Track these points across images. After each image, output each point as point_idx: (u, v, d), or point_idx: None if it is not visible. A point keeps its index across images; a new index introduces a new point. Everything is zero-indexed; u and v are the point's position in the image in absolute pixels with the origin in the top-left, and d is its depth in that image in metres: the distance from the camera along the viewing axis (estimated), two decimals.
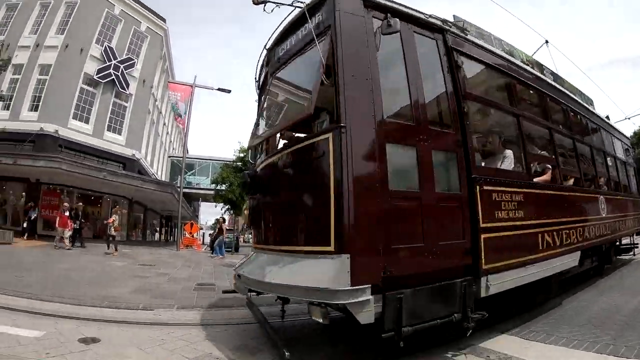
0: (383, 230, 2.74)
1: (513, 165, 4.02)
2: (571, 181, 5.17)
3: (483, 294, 3.14)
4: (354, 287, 2.51)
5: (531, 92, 4.61)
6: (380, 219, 2.74)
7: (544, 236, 3.89)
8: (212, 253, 14.79)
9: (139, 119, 21.43)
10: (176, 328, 3.91)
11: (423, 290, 2.83)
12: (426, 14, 3.46)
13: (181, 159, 24.58)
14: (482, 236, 3.19)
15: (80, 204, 16.33)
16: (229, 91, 21.56)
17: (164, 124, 30.69)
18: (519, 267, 3.53)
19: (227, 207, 22.05)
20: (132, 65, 20.39)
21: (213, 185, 22.73)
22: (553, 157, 4.60)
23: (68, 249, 11.71)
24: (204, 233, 31.62)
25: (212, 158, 32.39)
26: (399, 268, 2.76)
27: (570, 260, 4.38)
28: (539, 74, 4.83)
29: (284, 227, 3.37)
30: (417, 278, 2.86)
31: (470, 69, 3.72)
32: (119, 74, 19.35)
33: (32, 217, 13.72)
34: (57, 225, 12.37)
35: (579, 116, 5.72)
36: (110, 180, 16.19)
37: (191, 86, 20.92)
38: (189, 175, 31.66)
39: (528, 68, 4.62)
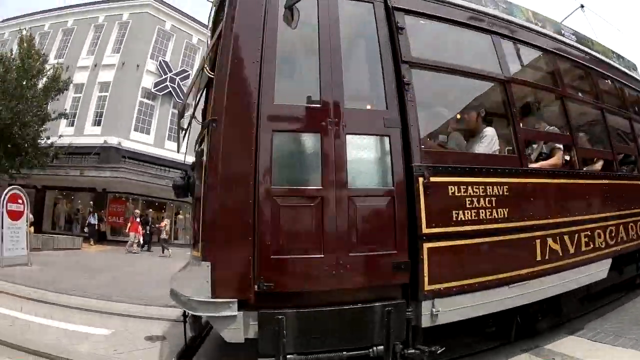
0: (260, 236, 2.18)
1: (497, 147, 2.99)
2: (598, 164, 3.79)
3: (426, 324, 2.30)
4: (216, 300, 2.10)
5: (530, 50, 3.39)
6: (256, 223, 2.17)
7: (545, 242, 2.82)
8: None
9: (197, 128, 22.97)
10: None
11: (315, 313, 2.18)
12: None
13: None
14: (426, 246, 2.33)
15: (151, 210, 18.16)
16: None
17: None
18: (497, 287, 2.53)
19: None
20: (188, 77, 21.97)
21: None
22: (568, 134, 3.34)
23: (135, 253, 12.93)
24: None
25: None
26: (282, 283, 2.18)
27: (594, 272, 3.18)
28: (543, 30, 3.52)
29: (193, 230, 3.00)
30: (312, 297, 2.24)
31: (424, 28, 2.86)
32: (175, 85, 20.67)
33: (92, 222, 15.29)
34: (128, 230, 13.72)
35: (611, 81, 4.25)
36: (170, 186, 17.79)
37: None
38: None
39: (523, 22, 3.36)
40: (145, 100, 19.91)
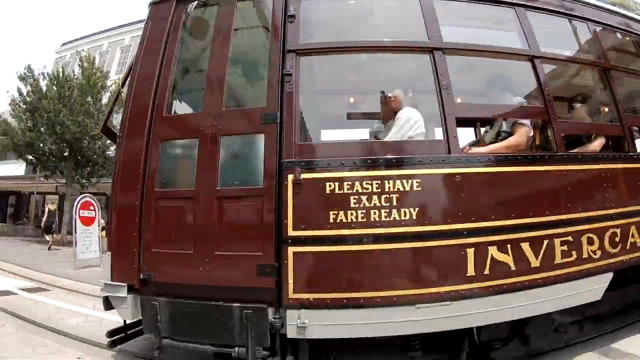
0: (144, 232, 2.45)
1: (418, 131, 2.46)
2: (597, 143, 2.67)
3: (292, 335, 2.12)
4: (112, 283, 2.50)
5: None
6: (142, 221, 2.46)
7: (483, 252, 2.16)
8: None
9: None
10: None
11: (182, 304, 2.33)
12: None
13: None
14: (291, 250, 2.15)
15: None
16: None
17: None
18: (398, 305, 2.09)
19: None
20: None
21: None
22: (541, 105, 2.44)
23: None
24: None
25: None
26: (160, 274, 2.41)
27: (581, 291, 2.31)
28: None
29: None
30: (183, 289, 2.37)
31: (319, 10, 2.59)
32: None
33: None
34: None
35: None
36: None
37: None
38: None
39: None
40: None
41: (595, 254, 2.36)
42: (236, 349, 2.19)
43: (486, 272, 2.17)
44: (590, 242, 2.35)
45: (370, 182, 2.20)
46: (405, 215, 2.17)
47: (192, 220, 2.40)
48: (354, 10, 2.65)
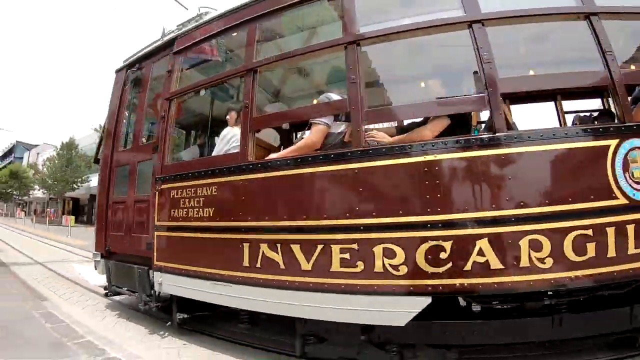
0: (109, 223, 4.14)
1: (230, 145, 3.23)
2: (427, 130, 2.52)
3: (157, 289, 3.32)
4: (94, 252, 4.31)
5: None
6: (107, 216, 4.17)
7: (256, 247, 2.63)
8: None
9: None
10: None
11: (119, 265, 3.90)
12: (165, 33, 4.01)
13: None
14: (156, 233, 3.37)
15: None
16: None
17: None
18: (207, 279, 2.87)
19: None
20: None
21: None
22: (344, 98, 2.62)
23: None
24: None
25: None
26: (113, 247, 4.06)
27: (369, 310, 2.25)
28: None
29: None
30: (122, 257, 3.94)
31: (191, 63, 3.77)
32: None
33: None
34: None
35: None
36: None
37: None
38: None
39: None
40: None
41: (398, 270, 2.18)
42: (143, 296, 3.55)
43: (258, 265, 2.62)
44: (390, 255, 2.21)
45: (190, 189, 3.14)
46: (205, 214, 2.98)
47: (124, 216, 3.95)
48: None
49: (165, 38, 3.93)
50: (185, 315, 3.33)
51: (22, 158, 59.74)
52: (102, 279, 4.33)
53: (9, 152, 68.97)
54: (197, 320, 3.40)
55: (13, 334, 2.92)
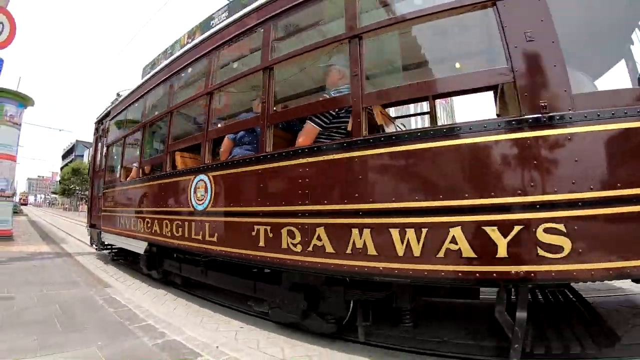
0: (91, 209, 7.26)
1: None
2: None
3: (103, 239, 6.13)
4: (86, 225, 7.72)
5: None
6: (91, 206, 7.27)
7: (127, 219, 5.01)
8: None
9: None
10: None
11: (93, 230, 6.93)
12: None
13: None
14: (102, 214, 6.05)
15: None
16: None
17: None
18: (125, 237, 5.04)
19: None
20: None
21: None
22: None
23: None
24: None
25: None
26: (92, 221, 7.07)
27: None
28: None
29: None
30: (95, 226, 6.80)
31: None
32: None
33: None
34: None
35: None
36: None
37: None
38: None
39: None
40: None
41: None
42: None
43: (132, 227, 4.87)
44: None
45: (110, 192, 5.81)
46: (115, 204, 5.64)
47: (96, 206, 6.73)
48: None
49: (108, 108, 6.53)
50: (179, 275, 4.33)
51: (82, 156, 65.22)
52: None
53: (70, 151, 75.63)
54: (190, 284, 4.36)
55: (80, 318, 2.99)
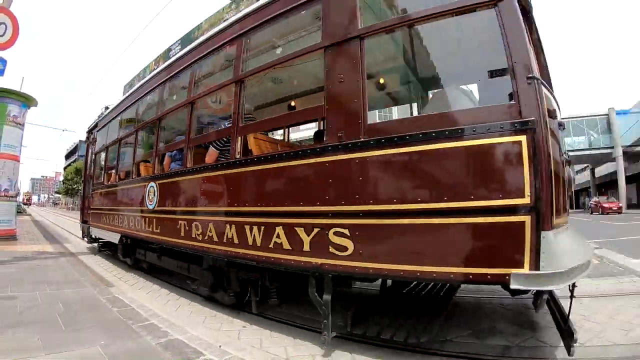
0: (85, 207, 7.79)
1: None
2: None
3: (91, 233, 7.24)
4: (80, 222, 8.49)
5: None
6: (84, 204, 7.90)
7: (108, 216, 6.04)
8: None
9: None
10: None
11: (84, 225, 7.83)
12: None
13: None
14: (90, 212, 7.25)
15: None
16: None
17: None
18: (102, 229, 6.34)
19: None
20: None
21: None
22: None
23: None
24: None
25: None
26: (84, 217, 7.81)
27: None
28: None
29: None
30: (86, 222, 7.62)
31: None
32: None
33: None
34: None
35: None
36: None
37: None
38: None
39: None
40: None
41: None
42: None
43: (111, 221, 5.91)
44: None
45: (97, 194, 6.89)
46: (101, 203, 6.64)
47: (87, 204, 7.61)
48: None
49: (97, 120, 7.58)
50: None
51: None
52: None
53: (74, 151, 75.89)
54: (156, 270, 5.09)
55: (83, 318, 2.99)
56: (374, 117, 5.62)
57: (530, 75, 1.92)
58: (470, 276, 1.93)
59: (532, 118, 1.87)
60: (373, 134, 2.31)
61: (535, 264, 1.78)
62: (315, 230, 2.47)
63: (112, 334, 2.62)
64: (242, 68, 3.28)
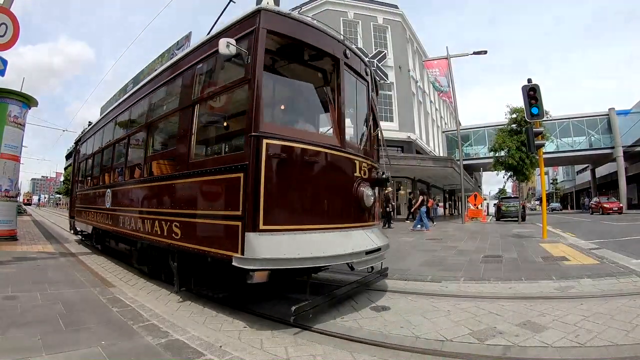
0: (73, 204, 9.60)
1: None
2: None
3: (76, 227, 9.04)
4: (69, 216, 10.91)
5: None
6: (72, 201, 10.13)
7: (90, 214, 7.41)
8: (413, 226, 14.13)
9: (405, 103, 23.64)
10: (462, 300, 3.80)
11: (71, 220, 9.74)
12: None
13: (455, 132, 24.66)
14: (75, 208, 9.04)
15: (390, 189, 19.18)
16: (485, 52, 19.78)
17: (431, 101, 31.13)
18: (82, 223, 8.22)
19: (509, 174, 19.79)
20: (384, 57, 23.25)
21: (491, 154, 20.89)
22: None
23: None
24: (487, 204, 28.97)
25: (486, 125, 28.77)
26: (72, 213, 9.63)
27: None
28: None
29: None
30: (73, 217, 9.55)
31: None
32: (374, 68, 22.76)
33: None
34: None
35: None
36: (390, 164, 20.08)
37: (446, 58, 21.05)
38: (466, 146, 30.52)
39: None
40: None
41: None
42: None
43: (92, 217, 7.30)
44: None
45: (80, 195, 8.68)
46: (83, 203, 8.25)
47: (74, 202, 9.46)
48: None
49: (81, 133, 9.61)
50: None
51: None
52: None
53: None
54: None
55: (84, 318, 2.99)
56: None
57: (251, 134, 2.95)
58: (218, 254, 3.14)
59: (246, 162, 2.96)
60: (191, 167, 3.71)
61: (242, 252, 2.87)
62: (167, 223, 3.93)
63: (113, 334, 2.62)
64: (150, 115, 5.00)
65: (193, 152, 3.79)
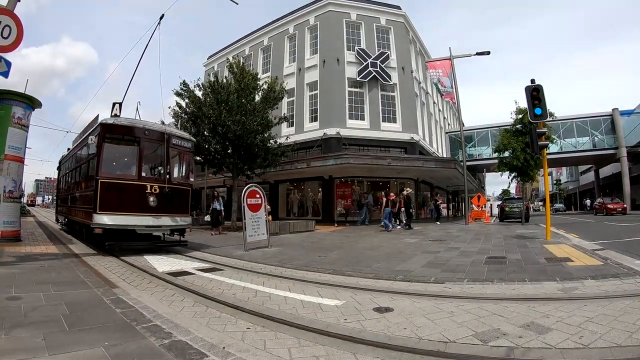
0: (58, 203, 15.18)
1: None
2: None
3: (60, 221, 14.33)
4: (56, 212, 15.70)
5: None
6: (58, 202, 15.55)
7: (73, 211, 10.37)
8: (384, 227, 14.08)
9: (409, 104, 23.40)
10: (465, 301, 3.77)
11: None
12: None
13: (458, 132, 24.52)
14: (58, 208, 15.39)
15: (410, 190, 18.69)
16: (488, 53, 19.68)
17: (434, 102, 30.93)
18: (61, 215, 13.62)
19: (513, 175, 19.65)
20: (387, 58, 22.87)
21: (495, 155, 20.75)
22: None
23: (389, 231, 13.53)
24: (491, 204, 28.86)
25: (490, 126, 28.67)
26: (59, 211, 14.65)
27: None
28: None
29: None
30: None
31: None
32: (377, 69, 22.25)
33: (217, 208, 14.04)
34: (381, 211, 14.65)
35: None
36: (394, 165, 20.07)
37: (449, 59, 20.96)
38: (469, 147, 30.37)
39: None
40: (353, 89, 22.50)
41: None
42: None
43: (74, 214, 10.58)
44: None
45: (60, 199, 14.30)
46: (71, 202, 11.07)
47: (61, 202, 13.34)
48: None
49: (63, 155, 13.71)
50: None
51: None
52: (168, 267, 5.84)
53: None
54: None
55: (87, 318, 3.00)
56: None
57: (96, 178, 7.27)
58: (86, 222, 7.69)
59: (94, 187, 7.23)
60: (85, 188, 8.50)
61: (92, 221, 7.13)
62: (80, 212, 8.65)
63: (116, 335, 2.63)
64: (80, 159, 9.50)
65: (85, 181, 8.49)
